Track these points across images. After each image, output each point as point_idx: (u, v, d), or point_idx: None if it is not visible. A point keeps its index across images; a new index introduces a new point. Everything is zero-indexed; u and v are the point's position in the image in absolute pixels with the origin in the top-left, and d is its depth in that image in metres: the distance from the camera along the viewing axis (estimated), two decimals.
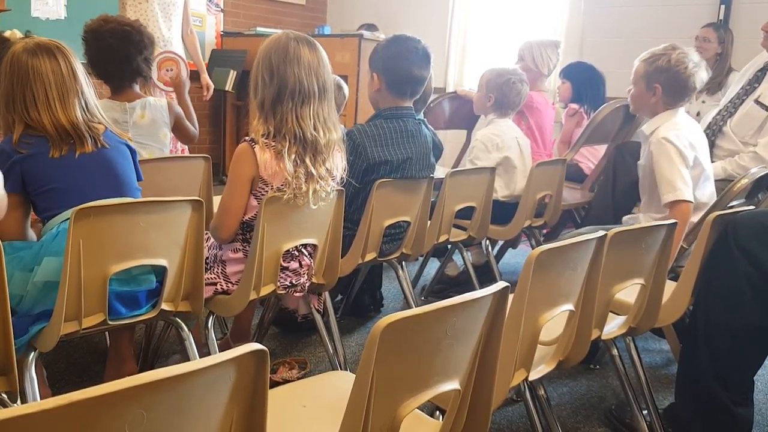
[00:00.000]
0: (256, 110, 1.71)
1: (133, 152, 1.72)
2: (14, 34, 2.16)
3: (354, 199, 2.11)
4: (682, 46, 2.28)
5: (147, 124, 2.26)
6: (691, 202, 2.12)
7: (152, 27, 3.31)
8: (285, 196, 1.64)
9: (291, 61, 1.65)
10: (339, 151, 1.79)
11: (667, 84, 2.23)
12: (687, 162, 2.17)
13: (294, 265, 1.80)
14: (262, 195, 1.68)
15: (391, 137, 2.12)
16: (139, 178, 1.72)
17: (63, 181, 1.54)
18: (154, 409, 0.65)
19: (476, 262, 2.96)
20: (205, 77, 3.81)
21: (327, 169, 1.73)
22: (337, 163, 1.79)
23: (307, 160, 1.67)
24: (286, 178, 1.65)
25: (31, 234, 1.63)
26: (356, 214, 2.10)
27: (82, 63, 1.66)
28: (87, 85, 1.63)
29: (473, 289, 1.18)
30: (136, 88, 2.26)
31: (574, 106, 3.61)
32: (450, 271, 3.04)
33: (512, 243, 3.25)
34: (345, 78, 3.11)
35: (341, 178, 1.82)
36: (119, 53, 2.12)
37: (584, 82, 3.58)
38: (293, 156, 1.66)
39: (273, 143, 1.66)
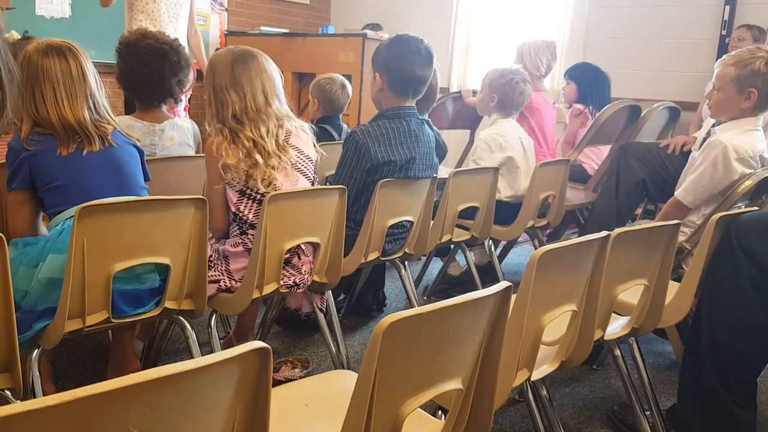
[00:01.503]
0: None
1: (141, 153, 1.73)
2: (12, 35, 2.16)
3: (357, 199, 2.12)
4: (764, 46, 2.24)
5: (176, 147, 2.18)
6: (686, 207, 2.25)
7: (158, 27, 3.30)
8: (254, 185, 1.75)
9: (208, 75, 1.86)
10: (305, 132, 1.93)
11: (763, 88, 2.13)
12: (728, 176, 2.15)
13: (297, 263, 1.80)
14: (235, 182, 1.79)
15: (395, 137, 2.12)
16: (147, 178, 1.74)
17: (70, 178, 1.55)
18: (157, 406, 0.65)
19: (479, 262, 2.96)
20: None
21: (277, 143, 1.82)
22: (306, 144, 1.91)
23: (250, 148, 1.78)
24: (242, 168, 1.76)
25: (44, 230, 1.65)
26: (359, 213, 2.11)
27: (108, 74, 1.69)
28: (97, 86, 1.65)
29: (476, 288, 1.18)
30: (164, 108, 2.18)
31: (579, 106, 3.61)
32: (453, 271, 3.04)
33: (513, 242, 3.25)
34: (348, 78, 3.11)
35: (317, 158, 1.96)
36: (153, 72, 2.04)
37: (589, 83, 3.58)
38: (234, 146, 1.77)
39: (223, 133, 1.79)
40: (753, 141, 2.19)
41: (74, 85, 1.58)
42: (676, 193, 2.26)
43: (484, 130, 2.90)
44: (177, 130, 2.18)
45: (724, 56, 2.25)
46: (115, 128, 1.66)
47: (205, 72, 1.89)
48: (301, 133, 1.92)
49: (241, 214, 1.79)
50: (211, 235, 1.83)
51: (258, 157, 1.77)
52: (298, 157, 1.87)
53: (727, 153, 2.13)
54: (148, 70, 2.04)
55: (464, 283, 2.92)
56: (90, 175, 1.58)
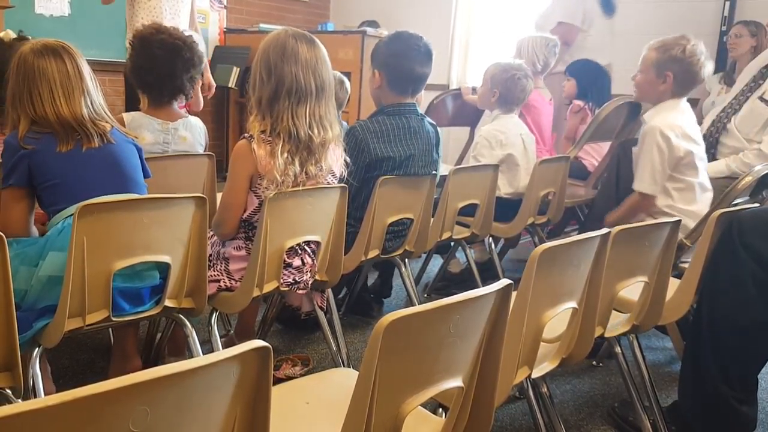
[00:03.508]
0: (253, 107, 1.72)
1: (139, 150, 1.73)
2: (8, 34, 2.15)
3: (357, 196, 2.11)
4: (692, 36, 2.33)
5: (187, 146, 2.15)
6: (652, 196, 2.29)
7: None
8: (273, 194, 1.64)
9: (289, 58, 1.66)
10: (338, 146, 1.81)
11: (679, 73, 2.28)
12: (673, 155, 2.23)
13: (297, 262, 1.80)
14: (261, 191, 1.69)
15: (394, 133, 2.12)
16: (146, 175, 1.73)
17: (69, 176, 1.55)
18: (157, 405, 0.65)
19: (479, 259, 2.96)
20: (208, 76, 3.80)
21: (321, 167, 1.73)
22: (336, 157, 1.80)
23: (298, 160, 1.68)
24: (275, 176, 1.65)
25: (34, 230, 1.64)
26: (359, 211, 2.11)
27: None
28: (93, 85, 1.64)
29: (476, 286, 1.18)
30: (176, 105, 2.14)
31: (579, 102, 3.60)
32: (453, 269, 3.04)
33: (512, 243, 3.24)
34: (348, 75, 3.11)
35: (341, 174, 1.83)
36: (164, 67, 2.01)
37: (589, 80, 3.57)
38: (285, 155, 1.66)
39: (269, 139, 1.68)
40: (681, 118, 2.30)
41: (71, 83, 1.57)
42: (634, 186, 2.31)
43: (485, 126, 2.89)
44: (190, 129, 2.16)
45: (651, 41, 2.37)
46: (113, 126, 1.66)
47: (261, 54, 1.70)
48: (336, 149, 1.80)
49: (252, 221, 1.76)
50: (211, 233, 1.82)
51: (300, 169, 1.67)
52: (328, 179, 1.80)
53: (664, 132, 2.23)
54: (159, 65, 2.01)
55: (464, 281, 2.92)
56: (90, 173, 1.57)
